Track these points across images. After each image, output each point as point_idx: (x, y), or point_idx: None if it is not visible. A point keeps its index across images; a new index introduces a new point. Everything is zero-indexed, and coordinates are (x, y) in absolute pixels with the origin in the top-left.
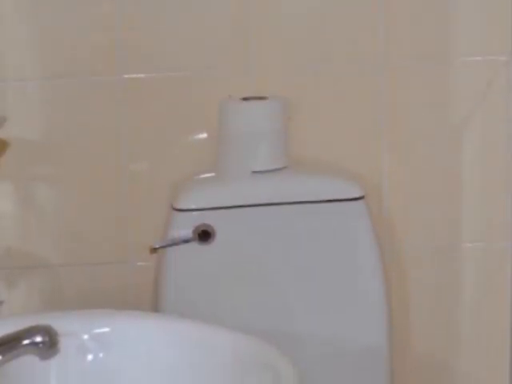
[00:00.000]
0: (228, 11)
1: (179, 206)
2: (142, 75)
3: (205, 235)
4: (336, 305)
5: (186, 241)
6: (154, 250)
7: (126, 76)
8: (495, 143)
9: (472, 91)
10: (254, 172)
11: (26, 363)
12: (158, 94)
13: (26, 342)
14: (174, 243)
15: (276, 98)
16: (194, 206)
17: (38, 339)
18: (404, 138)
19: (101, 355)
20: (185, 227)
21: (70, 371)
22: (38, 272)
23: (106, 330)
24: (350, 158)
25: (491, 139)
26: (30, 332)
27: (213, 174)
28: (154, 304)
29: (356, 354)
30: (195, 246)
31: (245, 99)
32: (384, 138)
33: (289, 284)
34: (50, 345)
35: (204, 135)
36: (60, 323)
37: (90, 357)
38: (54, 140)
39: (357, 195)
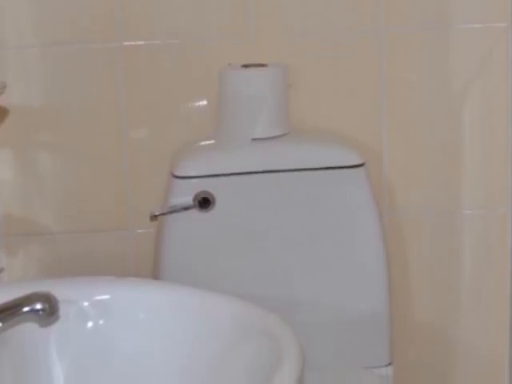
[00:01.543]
0: None
1: (179, 174)
2: (142, 42)
3: (205, 202)
4: (336, 272)
5: (186, 208)
6: (154, 218)
7: (125, 43)
8: (495, 110)
9: (472, 58)
10: (254, 139)
11: (26, 330)
12: (158, 62)
13: (26, 309)
14: (174, 210)
15: (276, 66)
16: (194, 174)
17: (38, 306)
18: (404, 106)
19: (101, 322)
20: (185, 194)
21: (70, 338)
22: (38, 239)
23: (106, 297)
24: (350, 125)
25: (491, 106)
26: (30, 299)
27: (213, 142)
28: (153, 271)
29: (356, 321)
30: (195, 214)
31: (245, 66)
32: (384, 105)
33: (289, 251)
34: (50, 312)
35: (204, 102)
36: (60, 290)
37: (90, 324)
38: (54, 107)
39: (357, 162)
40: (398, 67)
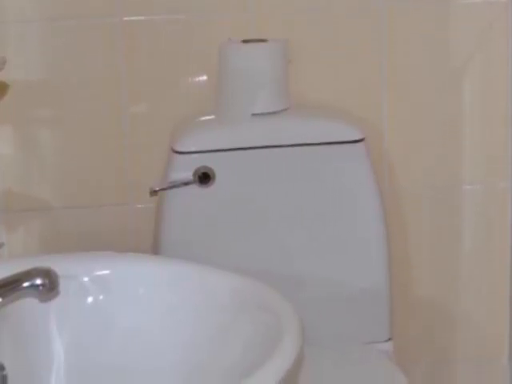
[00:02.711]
0: None
1: (179, 149)
2: (142, 17)
3: (205, 178)
4: (336, 247)
5: (186, 183)
6: (154, 193)
7: (125, 18)
8: (495, 84)
9: (472, 33)
10: (254, 114)
11: (26, 306)
12: (158, 37)
13: (26, 284)
14: (174, 186)
15: (276, 41)
16: (194, 149)
17: (38, 282)
18: (404, 80)
19: (101, 297)
20: (185, 170)
21: (70, 313)
22: (39, 215)
23: (106, 272)
24: (350, 100)
25: (491, 80)
26: (30, 274)
27: (213, 117)
28: (153, 246)
29: (356, 297)
30: (195, 189)
31: (245, 42)
32: (384, 80)
33: (288, 226)
34: (50, 287)
35: (204, 78)
36: (60, 265)
37: (89, 299)
38: (54, 83)
39: (357, 138)
40: (398, 42)
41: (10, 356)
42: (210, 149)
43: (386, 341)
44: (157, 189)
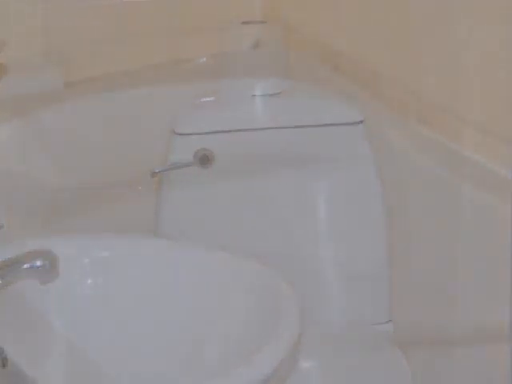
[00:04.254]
0: None
1: (180, 131)
2: None
3: (205, 159)
4: (336, 228)
5: (187, 165)
6: (154, 174)
7: None
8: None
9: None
10: (254, 96)
11: (26, 287)
12: (158, 18)
13: (26, 265)
14: (175, 167)
15: (275, 22)
16: (194, 130)
17: (38, 263)
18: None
19: (101, 279)
20: (185, 151)
21: (70, 295)
22: (38, 196)
23: (106, 254)
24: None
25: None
26: (30, 256)
27: (213, 99)
28: (154, 228)
29: (356, 278)
30: (196, 170)
31: (245, 23)
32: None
33: (288, 208)
34: (50, 269)
35: (204, 59)
36: (60, 247)
37: (89, 281)
38: (54, 61)
39: (356, 119)
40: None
41: (9, 338)
42: (210, 130)
43: (386, 322)
44: (157, 170)
